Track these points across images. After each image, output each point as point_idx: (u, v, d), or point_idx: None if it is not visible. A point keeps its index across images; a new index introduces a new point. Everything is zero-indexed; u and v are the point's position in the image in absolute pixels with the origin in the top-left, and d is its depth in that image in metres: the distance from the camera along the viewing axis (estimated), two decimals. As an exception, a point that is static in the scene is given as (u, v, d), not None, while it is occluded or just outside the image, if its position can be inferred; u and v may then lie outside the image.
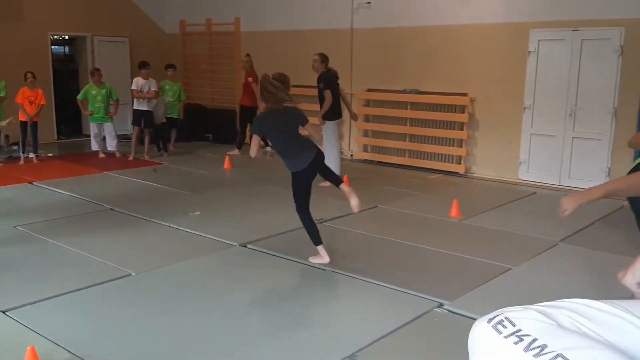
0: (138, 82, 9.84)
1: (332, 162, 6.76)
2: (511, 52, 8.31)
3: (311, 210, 4.83)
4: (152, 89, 9.80)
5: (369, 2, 9.59)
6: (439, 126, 9.09)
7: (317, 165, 4.78)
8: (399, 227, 5.97)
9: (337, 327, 3.75)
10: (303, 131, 4.93)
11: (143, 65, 9.92)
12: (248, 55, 10.23)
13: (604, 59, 7.61)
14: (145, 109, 9.84)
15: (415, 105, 9.20)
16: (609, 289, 4.39)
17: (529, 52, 8.17)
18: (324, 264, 4.79)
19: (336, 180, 4.96)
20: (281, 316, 3.89)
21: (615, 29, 7.49)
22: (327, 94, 7.45)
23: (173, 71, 10.51)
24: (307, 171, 4.71)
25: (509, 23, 8.30)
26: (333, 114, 7.61)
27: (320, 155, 4.83)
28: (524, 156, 8.40)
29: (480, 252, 5.12)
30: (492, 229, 5.98)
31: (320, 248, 4.85)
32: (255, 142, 4.76)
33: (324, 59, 7.43)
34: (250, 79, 9.94)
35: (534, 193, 7.72)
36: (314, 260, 4.86)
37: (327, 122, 7.54)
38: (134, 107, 9.94)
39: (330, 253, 4.89)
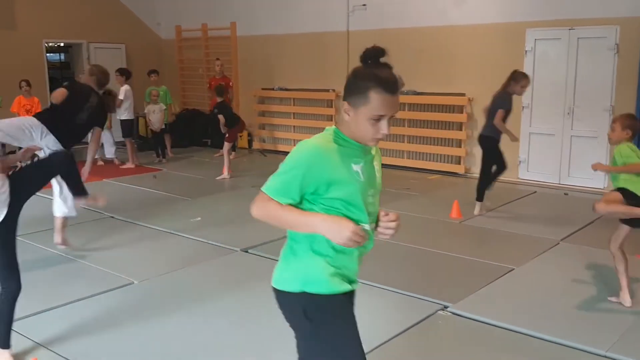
0: None
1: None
2: (508, 52, 8.31)
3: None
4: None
5: (364, 5, 9.59)
6: (437, 127, 9.09)
7: None
8: (401, 230, 5.92)
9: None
10: None
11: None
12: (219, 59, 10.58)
13: (600, 57, 7.63)
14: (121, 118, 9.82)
15: (413, 106, 9.17)
16: (611, 286, 4.40)
17: (526, 51, 8.18)
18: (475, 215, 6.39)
19: None
20: (286, 322, 3.86)
21: (611, 27, 7.50)
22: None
23: (156, 76, 10.46)
24: None
25: (505, 23, 8.31)
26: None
27: None
28: (524, 155, 8.40)
29: (482, 253, 5.11)
30: (494, 229, 5.98)
31: (478, 203, 6.46)
32: None
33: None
34: (222, 83, 10.00)
35: (535, 192, 7.73)
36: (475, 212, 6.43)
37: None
38: None
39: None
